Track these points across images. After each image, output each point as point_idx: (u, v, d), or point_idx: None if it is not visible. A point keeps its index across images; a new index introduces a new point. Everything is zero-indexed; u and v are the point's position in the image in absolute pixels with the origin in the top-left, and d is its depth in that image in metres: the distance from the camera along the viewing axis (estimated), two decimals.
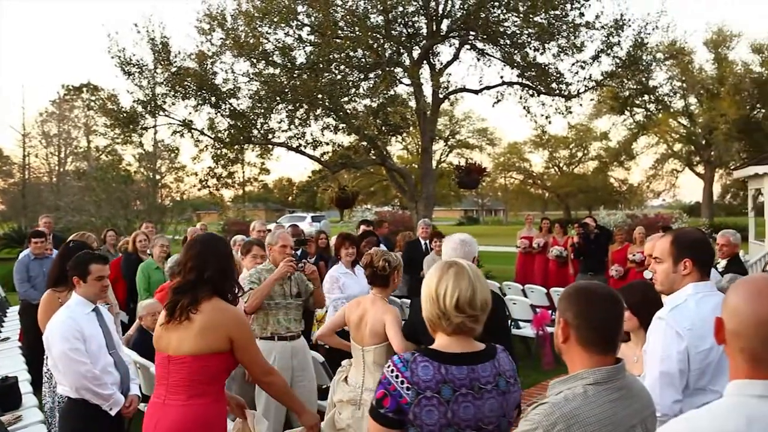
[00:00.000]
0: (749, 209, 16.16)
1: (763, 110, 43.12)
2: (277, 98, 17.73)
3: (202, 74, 17.33)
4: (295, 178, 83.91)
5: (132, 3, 25.57)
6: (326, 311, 6.77)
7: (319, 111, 18.36)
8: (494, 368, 2.36)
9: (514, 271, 13.60)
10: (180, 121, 18.37)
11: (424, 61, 18.39)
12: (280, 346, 5.14)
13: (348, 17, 16.70)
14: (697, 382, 2.81)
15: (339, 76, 17.88)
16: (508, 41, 18.01)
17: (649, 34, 17.87)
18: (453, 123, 51.77)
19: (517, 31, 17.60)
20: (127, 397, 4.24)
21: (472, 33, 18.11)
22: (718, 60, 43.70)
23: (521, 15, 16.81)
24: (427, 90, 18.39)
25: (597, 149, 59.49)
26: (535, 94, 19.11)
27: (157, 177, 30.81)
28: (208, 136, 18.60)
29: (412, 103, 19.68)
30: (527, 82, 18.92)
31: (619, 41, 17.81)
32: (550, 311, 6.70)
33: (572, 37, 17.53)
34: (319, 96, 17.28)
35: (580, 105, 21.02)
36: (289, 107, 18.21)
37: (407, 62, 18.02)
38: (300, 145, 18.99)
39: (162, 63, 17.43)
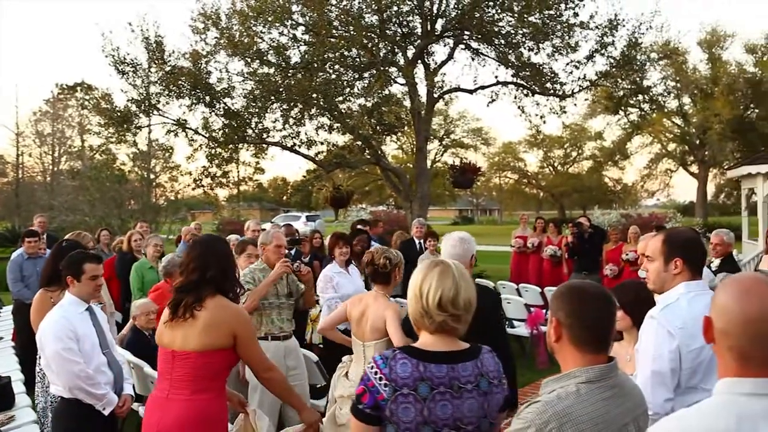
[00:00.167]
0: (743, 209, 16.22)
1: (757, 110, 43.27)
2: (272, 97, 17.70)
3: (197, 73, 17.29)
4: (289, 178, 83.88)
5: (126, 2, 25.48)
6: (320, 311, 6.77)
7: (313, 110, 18.34)
8: (476, 368, 2.34)
9: (508, 270, 13.61)
10: (174, 120, 18.33)
11: (419, 61, 18.39)
12: (273, 346, 5.15)
13: (342, 17, 16.69)
14: (689, 381, 2.82)
15: (333, 76, 17.86)
16: (502, 41, 18.02)
17: (643, 34, 17.92)
18: (448, 122, 51.80)
19: (512, 31, 17.62)
20: (120, 396, 4.23)
21: (466, 33, 18.13)
22: (712, 60, 43.86)
23: (516, 15, 16.83)
24: (422, 89, 18.39)
25: (591, 149, 59.64)
26: (530, 94, 19.13)
27: (152, 176, 30.74)
28: (203, 136, 18.56)
29: (407, 103, 19.66)
30: (522, 82, 18.94)
31: (614, 41, 17.85)
32: (544, 310, 6.70)
33: (566, 37, 17.55)
34: (314, 95, 17.26)
35: (575, 105, 21.03)
36: (284, 106, 18.18)
37: (402, 62, 18.01)
38: (294, 144, 18.96)
39: (156, 62, 17.38)
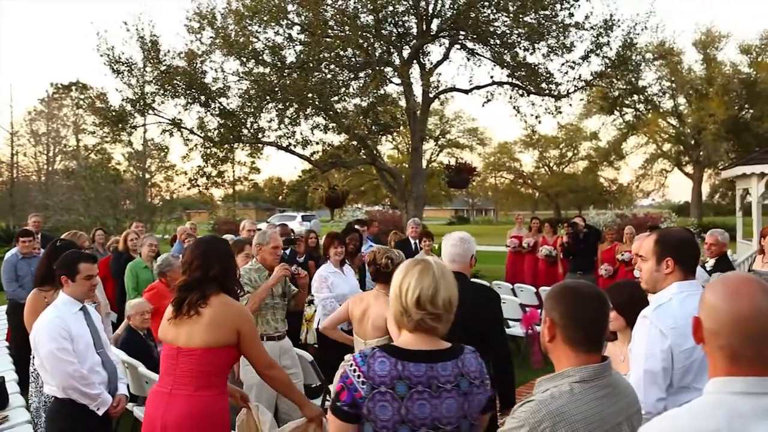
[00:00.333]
0: (737, 209, 16.26)
1: (752, 110, 43.44)
2: (267, 97, 17.70)
3: (192, 73, 17.28)
4: (285, 178, 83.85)
5: (122, 2, 25.44)
6: (315, 311, 6.78)
7: (309, 110, 18.35)
8: (456, 368, 2.32)
9: (503, 270, 13.61)
10: (169, 120, 18.31)
11: (414, 61, 18.41)
12: (269, 347, 5.14)
13: (338, 16, 16.68)
14: (681, 381, 2.83)
15: (329, 76, 17.88)
16: (497, 41, 18.05)
17: (638, 34, 17.98)
18: (443, 122, 51.86)
19: (507, 31, 17.64)
20: (114, 396, 4.22)
21: (462, 33, 18.15)
22: (706, 60, 43.99)
23: (511, 15, 16.85)
24: (417, 89, 18.44)
25: (587, 149, 59.82)
26: (525, 94, 19.17)
27: (147, 176, 30.70)
28: (198, 135, 18.55)
29: (402, 103, 19.71)
30: (517, 82, 18.97)
31: (609, 41, 17.90)
32: (539, 310, 6.71)
33: (562, 37, 17.59)
34: (309, 95, 17.26)
35: (570, 105, 21.19)
36: (279, 106, 18.18)
37: (397, 62, 18.02)
38: (290, 144, 18.97)
39: (151, 61, 17.37)
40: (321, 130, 19.28)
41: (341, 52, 17.27)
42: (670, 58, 33.83)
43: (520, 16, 16.58)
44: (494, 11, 17.31)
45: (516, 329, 9.07)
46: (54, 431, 4.13)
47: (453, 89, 19.66)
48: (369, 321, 4.44)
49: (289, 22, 17.42)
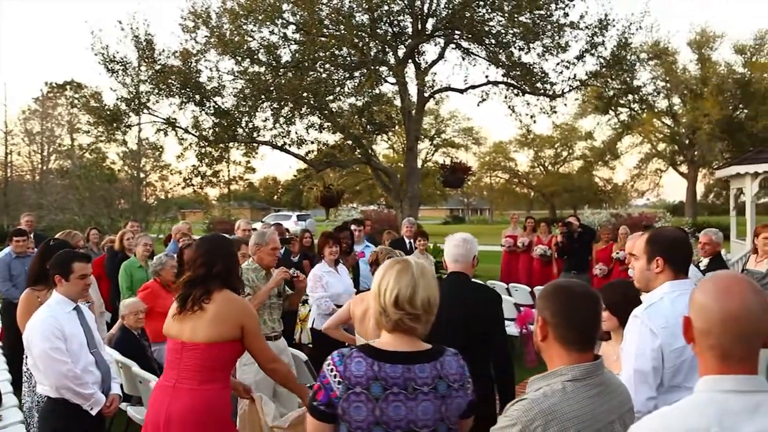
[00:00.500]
0: (731, 208, 16.28)
1: (746, 110, 43.53)
2: (262, 96, 17.70)
3: (187, 72, 17.26)
4: (280, 177, 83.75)
5: (117, 1, 25.38)
6: (309, 310, 6.78)
7: (304, 109, 18.34)
8: (435, 370, 2.28)
9: (498, 269, 13.62)
10: (164, 119, 18.29)
11: (409, 60, 18.42)
12: None
13: (333, 16, 16.69)
14: (672, 380, 2.84)
15: (324, 75, 17.87)
16: (493, 40, 18.08)
17: (633, 34, 18.04)
18: (438, 122, 51.88)
19: (502, 31, 17.67)
20: (108, 396, 4.21)
21: (457, 32, 18.17)
22: (701, 60, 44.08)
23: (506, 14, 16.88)
24: (412, 89, 18.44)
25: (582, 149, 59.86)
26: (520, 94, 19.20)
27: (142, 175, 30.62)
28: (193, 135, 18.52)
29: (398, 102, 19.71)
30: (512, 82, 19.00)
31: (603, 41, 17.94)
32: (534, 310, 6.72)
33: (557, 37, 17.63)
34: (304, 94, 17.26)
35: (565, 104, 21.17)
36: (274, 105, 18.18)
37: (392, 61, 18.03)
38: (285, 143, 18.96)
39: (146, 60, 17.35)
40: (316, 130, 19.30)
41: (336, 52, 17.27)
42: (664, 58, 33.88)
43: (515, 15, 16.61)
44: (489, 11, 17.35)
45: (511, 329, 9.05)
46: (47, 431, 4.12)
47: (448, 89, 19.68)
48: (371, 320, 4.44)
49: (284, 22, 17.42)
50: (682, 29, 63.50)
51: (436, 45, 19.02)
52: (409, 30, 18.23)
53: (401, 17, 17.99)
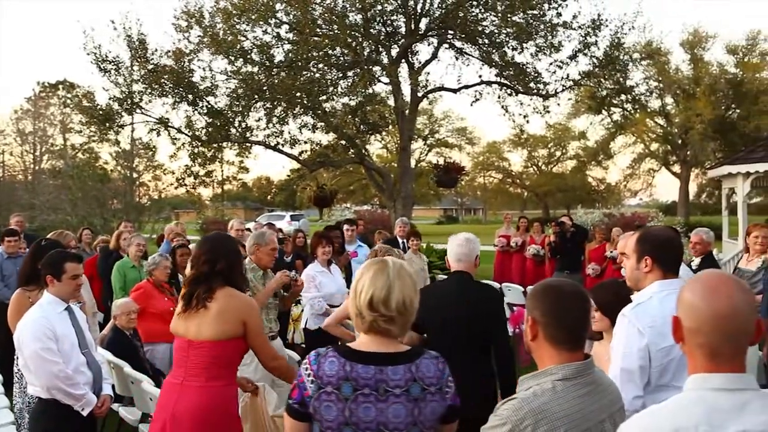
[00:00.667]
0: (723, 208, 16.32)
1: (738, 110, 43.69)
2: (255, 96, 17.67)
3: (179, 72, 17.23)
4: (273, 177, 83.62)
5: (109, 0, 25.27)
6: (302, 310, 6.78)
7: (297, 109, 18.34)
8: (408, 373, 2.24)
9: (491, 269, 13.63)
10: (157, 119, 18.25)
11: (403, 60, 18.42)
12: None
13: (326, 15, 16.68)
14: (660, 379, 2.86)
15: (317, 75, 17.87)
16: (486, 40, 18.10)
17: (625, 34, 18.08)
18: (432, 122, 51.99)
19: (495, 31, 17.70)
20: (99, 397, 4.19)
21: (450, 32, 18.19)
22: (693, 60, 44.21)
23: (499, 14, 16.91)
24: (406, 89, 18.45)
25: (575, 148, 60.02)
26: (513, 94, 19.23)
27: (135, 175, 30.53)
28: (185, 134, 18.49)
29: (391, 102, 19.72)
30: (505, 82, 19.03)
31: (596, 41, 17.99)
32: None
33: (550, 37, 17.66)
34: (298, 94, 17.25)
35: (558, 104, 21.28)
36: (267, 105, 18.16)
37: (386, 61, 18.03)
38: (278, 143, 18.95)
39: (139, 60, 17.31)
40: (309, 130, 19.31)
41: (329, 51, 17.27)
42: (657, 58, 34.02)
43: (509, 15, 16.64)
44: (482, 10, 17.37)
45: None
46: None
47: (441, 88, 19.70)
48: None
49: (278, 21, 17.41)
50: (674, 29, 63.79)
51: (429, 45, 19.05)
52: (403, 30, 18.23)
53: (394, 17, 18.00)
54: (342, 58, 17.68)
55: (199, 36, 17.46)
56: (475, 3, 17.06)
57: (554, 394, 2.02)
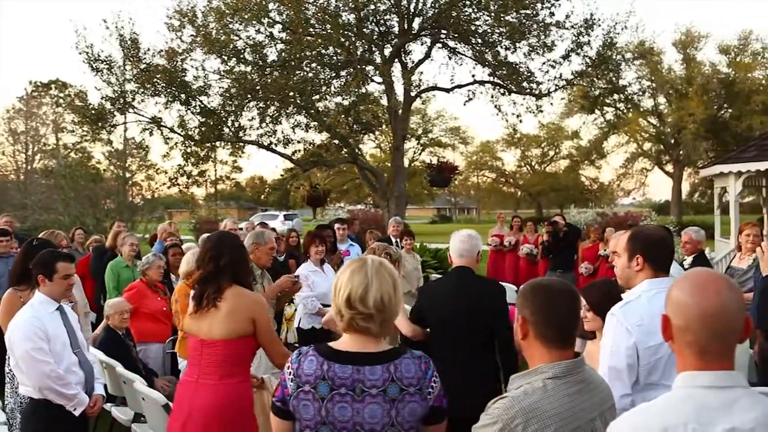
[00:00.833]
0: (715, 207, 16.37)
1: (730, 110, 43.83)
2: (248, 96, 17.66)
3: (172, 71, 17.20)
4: (267, 177, 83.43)
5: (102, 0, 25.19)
6: (295, 310, 6.77)
7: (290, 109, 18.33)
8: (387, 373, 2.22)
9: (485, 268, 13.64)
10: (149, 118, 18.21)
11: (396, 60, 18.44)
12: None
13: (319, 15, 16.68)
14: (648, 378, 2.87)
15: (310, 74, 17.87)
16: (479, 40, 18.13)
17: (618, 34, 18.14)
18: (425, 121, 51.96)
19: (489, 30, 17.74)
20: (91, 396, 4.19)
21: (443, 31, 18.21)
22: (686, 60, 44.33)
23: (492, 14, 16.94)
24: (399, 88, 18.47)
25: (568, 148, 60.01)
26: (506, 93, 19.25)
27: (127, 175, 30.42)
28: (178, 134, 18.45)
29: (384, 102, 19.73)
30: (498, 81, 19.06)
31: (589, 41, 18.05)
32: None
33: (543, 37, 17.71)
34: (291, 93, 17.24)
35: (551, 104, 21.42)
36: (261, 105, 18.15)
37: (379, 60, 18.04)
38: (271, 143, 18.94)
39: (131, 59, 17.27)
40: (302, 129, 19.31)
41: (323, 51, 17.27)
42: (650, 58, 34.04)
43: (501, 15, 16.68)
44: (475, 10, 17.40)
45: None
46: None
47: (434, 88, 19.73)
48: None
49: (271, 21, 17.39)
50: (667, 29, 64.17)
51: (422, 44, 19.09)
52: (396, 29, 18.25)
53: (388, 16, 18.02)
54: (335, 58, 17.68)
55: (191, 35, 17.44)
56: (468, 2, 17.10)
57: (545, 393, 2.02)
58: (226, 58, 17.42)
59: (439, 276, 11.59)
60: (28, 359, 3.91)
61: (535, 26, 17.49)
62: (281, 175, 56.89)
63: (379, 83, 18.65)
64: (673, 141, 45.71)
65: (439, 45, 18.95)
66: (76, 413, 4.04)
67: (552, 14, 17.43)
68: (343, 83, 18.18)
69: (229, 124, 18.34)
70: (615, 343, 2.91)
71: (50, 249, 4.64)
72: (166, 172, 20.44)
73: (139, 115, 18.25)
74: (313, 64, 17.81)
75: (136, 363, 5.79)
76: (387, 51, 18.29)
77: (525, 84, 18.68)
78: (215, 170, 26.54)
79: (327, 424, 2.19)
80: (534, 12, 17.29)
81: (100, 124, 18.04)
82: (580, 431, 2.05)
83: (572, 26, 17.76)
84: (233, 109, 18.03)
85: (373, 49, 18.24)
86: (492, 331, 4.04)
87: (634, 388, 2.87)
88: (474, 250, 4.24)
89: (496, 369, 4.04)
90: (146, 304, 6.42)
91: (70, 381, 4.02)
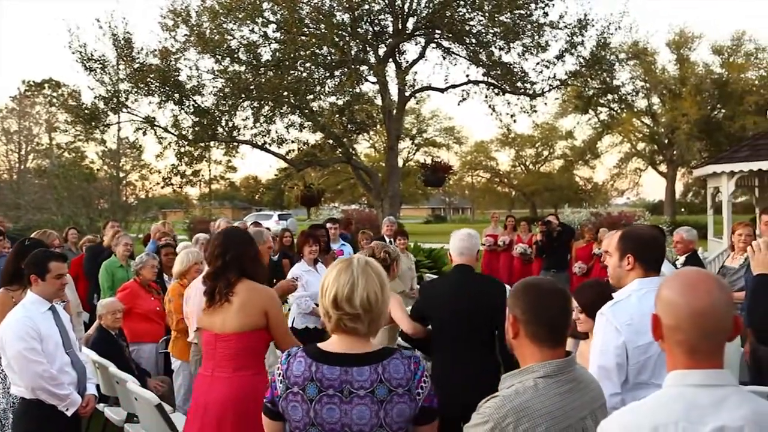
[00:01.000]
0: (708, 207, 16.43)
1: (723, 110, 43.96)
2: (242, 95, 17.64)
3: (166, 70, 17.16)
4: (261, 176, 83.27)
5: None
6: (289, 309, 6.77)
7: (284, 108, 18.31)
8: (375, 374, 2.20)
9: (479, 268, 13.66)
10: (143, 118, 18.17)
11: (390, 59, 18.43)
12: None
13: (314, 14, 16.67)
14: (638, 377, 2.88)
15: (304, 74, 17.85)
16: (473, 40, 18.15)
17: (612, 34, 18.19)
18: (420, 121, 52.02)
19: (483, 30, 17.76)
20: (84, 397, 4.18)
21: (437, 31, 18.21)
22: (680, 61, 44.45)
23: (486, 14, 16.95)
24: (393, 88, 18.44)
25: (562, 148, 60.16)
26: (501, 93, 19.27)
27: (121, 175, 30.35)
28: (172, 134, 18.42)
29: (378, 101, 19.73)
30: (492, 81, 19.07)
31: (583, 41, 18.07)
32: None
33: (536, 37, 17.73)
34: (285, 93, 17.23)
35: (545, 104, 21.50)
36: (255, 104, 18.13)
37: (373, 60, 18.04)
38: (265, 142, 18.92)
39: (124, 59, 17.23)
40: (296, 129, 19.27)
41: (317, 51, 17.25)
42: (643, 58, 34.16)
43: (496, 15, 16.69)
44: (470, 10, 17.41)
45: None
46: None
47: (429, 88, 19.73)
48: None
49: (265, 20, 17.37)
50: (661, 30, 64.29)
51: (416, 44, 19.07)
52: (390, 29, 18.25)
53: (382, 16, 18.01)
54: (329, 58, 17.66)
55: (185, 35, 17.41)
56: (462, 3, 17.11)
57: (536, 392, 2.03)
58: (219, 57, 17.38)
59: (434, 276, 11.59)
60: (21, 359, 3.90)
61: (529, 26, 17.51)
62: (275, 175, 56.85)
63: (373, 83, 18.65)
64: (666, 141, 45.84)
65: (434, 45, 18.95)
66: (69, 413, 4.04)
67: (546, 14, 17.46)
68: (337, 83, 18.15)
69: (223, 123, 18.31)
70: (604, 342, 2.92)
71: (42, 248, 4.63)
72: (160, 172, 20.42)
73: (133, 114, 18.23)
74: (307, 64, 17.79)
75: (129, 363, 5.78)
76: (381, 51, 18.28)
77: (519, 84, 18.70)
78: (209, 170, 26.54)
79: (315, 425, 2.19)
80: (528, 12, 17.31)
81: (93, 123, 17.98)
82: (571, 430, 2.05)
83: (566, 26, 17.79)
84: (227, 108, 18.00)
85: (368, 48, 18.23)
86: (493, 328, 4.08)
87: (624, 388, 2.88)
88: (474, 248, 4.33)
89: (497, 367, 4.06)
90: (139, 304, 6.42)
91: (62, 381, 4.02)
